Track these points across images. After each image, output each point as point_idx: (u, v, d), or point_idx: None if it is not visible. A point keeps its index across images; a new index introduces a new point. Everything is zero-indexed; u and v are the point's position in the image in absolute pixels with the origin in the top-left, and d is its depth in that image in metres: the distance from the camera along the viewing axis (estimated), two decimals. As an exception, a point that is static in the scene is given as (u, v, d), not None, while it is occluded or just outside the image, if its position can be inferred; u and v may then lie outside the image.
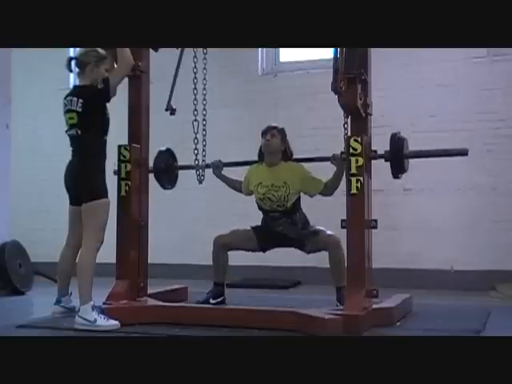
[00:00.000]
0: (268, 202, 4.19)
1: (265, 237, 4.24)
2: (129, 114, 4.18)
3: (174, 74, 4.30)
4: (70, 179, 3.80)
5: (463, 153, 3.83)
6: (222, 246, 4.22)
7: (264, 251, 4.35)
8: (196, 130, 4.27)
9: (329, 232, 4.11)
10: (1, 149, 5.61)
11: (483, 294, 4.98)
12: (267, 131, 4.23)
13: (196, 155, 4.29)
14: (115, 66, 3.87)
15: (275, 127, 4.25)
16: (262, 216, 4.31)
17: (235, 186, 4.49)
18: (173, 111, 4.29)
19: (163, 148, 4.50)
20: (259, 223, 4.32)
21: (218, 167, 4.43)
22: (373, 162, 3.67)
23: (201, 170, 4.31)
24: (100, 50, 3.84)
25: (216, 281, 4.27)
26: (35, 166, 6.95)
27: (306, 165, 4.32)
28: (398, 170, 3.73)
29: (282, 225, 4.19)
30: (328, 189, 4.16)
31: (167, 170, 4.48)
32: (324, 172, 4.17)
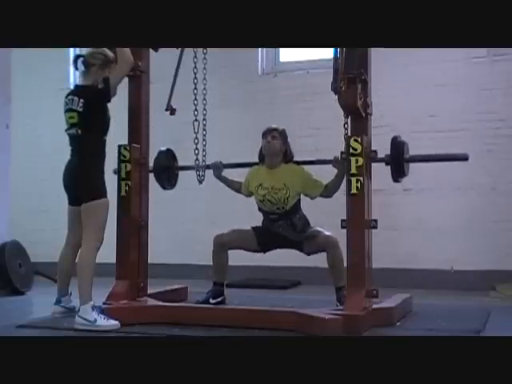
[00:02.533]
0: (268, 204, 4.19)
1: (265, 237, 4.24)
2: (129, 114, 4.18)
3: (174, 73, 4.30)
4: (69, 179, 3.80)
5: (463, 158, 3.84)
6: (222, 244, 4.22)
7: (264, 252, 4.35)
8: (196, 130, 4.27)
9: (327, 233, 4.12)
10: (1, 149, 5.61)
11: (483, 294, 4.98)
12: (268, 133, 4.22)
13: (196, 155, 4.29)
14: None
15: (276, 129, 4.25)
16: (262, 216, 4.31)
17: (235, 187, 4.49)
18: (173, 111, 4.29)
19: (163, 148, 4.50)
20: (259, 223, 4.32)
21: (218, 168, 4.42)
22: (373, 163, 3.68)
23: (201, 170, 4.31)
24: (108, 53, 3.84)
25: (216, 280, 4.27)
26: (35, 166, 6.95)
27: (306, 167, 4.32)
28: (398, 174, 3.75)
29: (281, 226, 4.19)
30: (328, 191, 4.16)
31: (167, 170, 4.48)
32: (325, 171, 4.17)
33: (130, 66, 3.88)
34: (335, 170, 4.06)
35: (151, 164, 4.35)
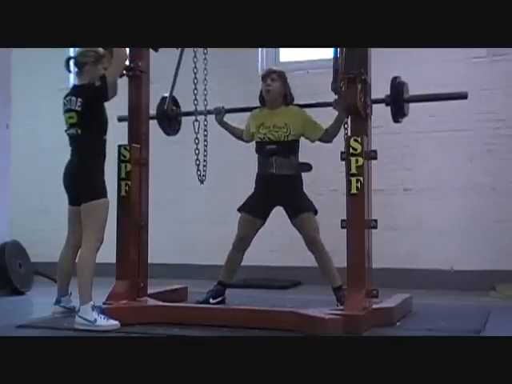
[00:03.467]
0: (267, 141, 4.19)
1: (257, 206, 4.20)
2: (129, 113, 4.18)
3: (174, 73, 4.30)
4: (69, 179, 3.80)
5: (462, 96, 3.86)
6: (242, 240, 4.20)
7: (264, 219, 4.27)
8: (196, 130, 4.27)
9: (314, 235, 4.10)
10: (1, 149, 5.61)
11: (483, 294, 4.98)
12: (267, 75, 4.21)
13: (197, 155, 4.29)
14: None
15: (275, 71, 4.24)
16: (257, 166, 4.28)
17: (237, 133, 4.49)
18: (173, 111, 4.29)
19: (166, 94, 4.48)
20: None
21: (220, 113, 4.42)
22: (373, 161, 3.67)
23: (202, 167, 4.28)
24: (98, 50, 3.84)
25: (222, 280, 4.27)
26: (35, 165, 6.95)
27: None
28: (398, 113, 3.80)
29: (276, 163, 4.13)
30: (328, 135, 4.16)
31: (170, 116, 4.47)
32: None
33: (125, 60, 3.88)
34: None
35: (151, 164, 4.35)
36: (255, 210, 4.22)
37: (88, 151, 3.75)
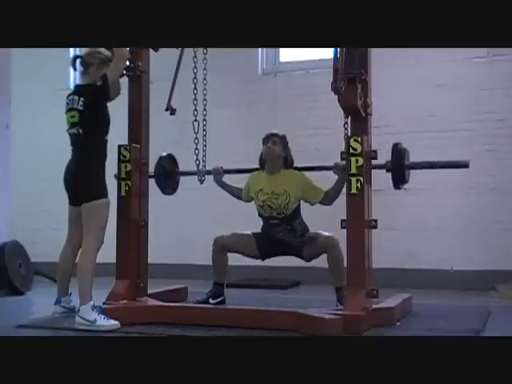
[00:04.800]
0: (268, 210, 4.19)
1: (265, 243, 4.24)
2: (129, 114, 4.18)
3: (174, 73, 4.29)
4: (69, 178, 3.80)
5: (464, 165, 3.84)
6: (223, 247, 4.22)
7: (263, 259, 4.34)
8: (196, 130, 4.27)
9: (326, 234, 4.10)
10: (1, 149, 5.62)
11: (483, 294, 4.98)
12: (269, 138, 4.22)
13: (196, 155, 4.29)
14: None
15: (276, 134, 4.25)
16: (262, 221, 4.31)
17: (235, 193, 4.49)
18: (173, 111, 4.28)
19: (164, 154, 4.49)
20: (259, 224, 4.32)
21: (218, 174, 4.43)
22: (373, 161, 3.68)
23: (201, 175, 4.31)
24: (105, 52, 3.84)
25: (216, 281, 4.27)
26: (35, 166, 6.95)
27: (306, 173, 4.31)
28: (399, 181, 3.77)
29: (281, 232, 4.19)
30: (328, 198, 4.15)
31: (168, 175, 4.48)
32: (324, 178, 4.17)
33: (126, 60, 3.88)
34: (335, 177, 4.05)
35: (151, 164, 4.35)
36: (262, 245, 4.23)
37: (89, 151, 3.75)
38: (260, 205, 4.23)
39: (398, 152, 3.74)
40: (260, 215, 4.29)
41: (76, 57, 3.91)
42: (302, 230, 4.21)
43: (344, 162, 3.66)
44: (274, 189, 4.17)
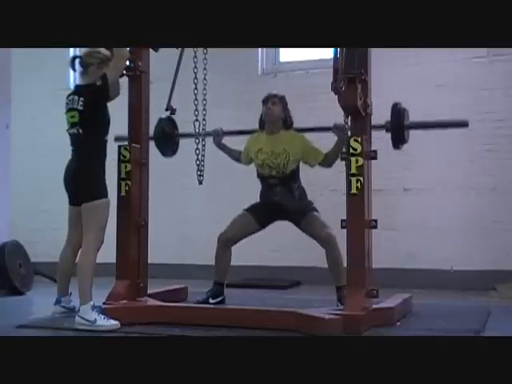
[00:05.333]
0: (267, 169, 4.19)
1: (261, 212, 4.23)
2: (129, 114, 4.18)
3: (174, 74, 4.30)
4: (70, 178, 3.79)
5: (463, 124, 3.86)
6: (227, 240, 4.21)
7: (263, 227, 4.30)
8: (197, 130, 4.27)
9: (324, 229, 4.08)
10: (1, 149, 5.61)
11: (483, 294, 4.98)
12: (268, 99, 4.22)
13: (197, 155, 4.29)
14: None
15: (276, 95, 4.25)
16: (260, 192, 4.29)
17: (235, 155, 4.50)
18: (173, 111, 4.29)
19: (164, 116, 4.48)
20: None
21: (218, 135, 4.42)
22: (373, 161, 3.68)
23: (201, 139, 4.28)
24: (104, 52, 3.84)
25: (216, 280, 4.27)
26: (35, 165, 6.95)
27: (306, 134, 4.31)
28: (398, 140, 3.82)
29: (279, 193, 4.17)
30: (328, 160, 4.16)
31: (168, 137, 4.48)
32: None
33: (126, 60, 3.88)
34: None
35: (151, 164, 4.35)
36: (260, 216, 4.23)
37: (89, 151, 3.75)
38: (259, 164, 4.22)
39: (398, 112, 3.79)
40: (259, 176, 4.27)
41: (75, 57, 3.91)
42: (299, 194, 4.20)
43: (343, 123, 3.72)
44: (273, 148, 4.17)
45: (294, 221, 4.21)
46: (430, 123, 4.01)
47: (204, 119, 4.34)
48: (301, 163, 4.25)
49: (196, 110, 4.24)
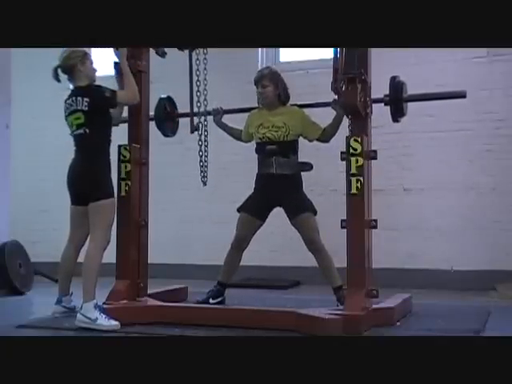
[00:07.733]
0: (267, 141, 4.21)
1: (255, 206, 4.22)
2: (129, 113, 4.18)
3: (189, 82, 4.25)
4: (74, 178, 3.77)
5: (461, 95, 3.87)
6: (240, 244, 4.22)
7: (263, 220, 4.28)
8: (200, 132, 4.28)
9: (311, 235, 4.09)
10: (1, 149, 5.62)
11: (483, 294, 4.98)
12: (257, 82, 4.26)
13: (200, 156, 4.30)
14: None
15: (264, 75, 4.25)
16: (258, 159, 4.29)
17: (235, 133, 4.52)
18: (197, 129, 4.29)
19: (164, 95, 4.49)
20: None
21: (218, 114, 4.45)
22: (373, 161, 3.68)
23: (204, 169, 4.29)
24: (78, 49, 3.83)
25: (221, 280, 4.28)
26: (35, 165, 6.95)
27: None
28: (397, 113, 3.82)
29: (275, 163, 4.15)
30: (326, 134, 4.20)
31: (168, 117, 4.49)
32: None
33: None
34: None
35: (151, 164, 4.35)
36: (255, 210, 4.22)
37: (96, 151, 3.74)
38: (260, 137, 4.24)
39: (396, 85, 3.80)
40: (257, 149, 4.27)
41: (56, 67, 3.87)
42: (297, 168, 4.18)
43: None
44: (274, 122, 4.20)
45: (287, 213, 4.20)
46: (428, 95, 4.02)
47: (205, 119, 4.34)
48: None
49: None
